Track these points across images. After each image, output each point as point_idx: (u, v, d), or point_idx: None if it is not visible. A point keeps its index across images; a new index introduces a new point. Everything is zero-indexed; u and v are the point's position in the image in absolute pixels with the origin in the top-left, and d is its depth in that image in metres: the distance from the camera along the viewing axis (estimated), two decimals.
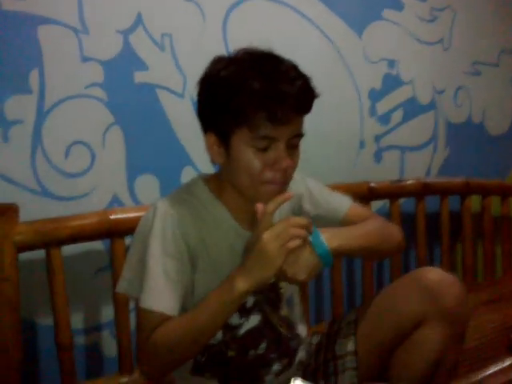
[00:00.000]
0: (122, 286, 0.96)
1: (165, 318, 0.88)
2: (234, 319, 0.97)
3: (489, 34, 2.25)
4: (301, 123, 0.91)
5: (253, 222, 0.96)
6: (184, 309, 0.91)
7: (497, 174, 2.32)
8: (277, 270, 0.84)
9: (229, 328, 0.96)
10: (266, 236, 0.83)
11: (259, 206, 0.88)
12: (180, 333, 0.87)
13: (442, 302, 0.95)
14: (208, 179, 1.00)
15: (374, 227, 1.05)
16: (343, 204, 1.11)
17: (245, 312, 0.98)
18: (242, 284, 0.84)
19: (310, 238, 0.89)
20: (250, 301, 0.98)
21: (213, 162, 0.95)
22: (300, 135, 0.91)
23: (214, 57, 0.93)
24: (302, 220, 0.86)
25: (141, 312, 0.90)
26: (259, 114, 0.85)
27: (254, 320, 0.99)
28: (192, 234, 0.92)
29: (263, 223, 0.85)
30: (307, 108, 0.90)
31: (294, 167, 0.92)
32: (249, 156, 0.88)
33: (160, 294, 0.89)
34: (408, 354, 0.98)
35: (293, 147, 0.91)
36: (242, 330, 0.97)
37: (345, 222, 1.08)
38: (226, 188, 0.96)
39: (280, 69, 0.88)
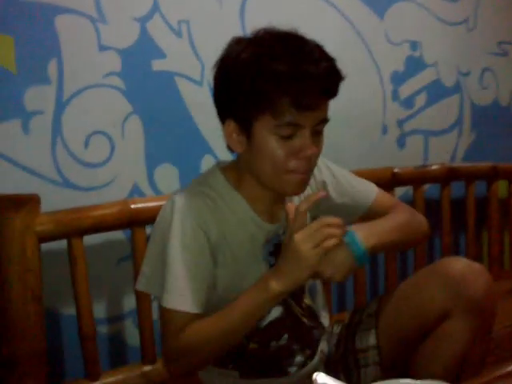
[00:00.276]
0: (142, 283, 0.94)
1: (191, 317, 0.86)
2: None
3: None
4: (326, 108, 0.87)
5: (272, 214, 0.95)
6: (208, 303, 0.90)
7: None
8: (312, 271, 0.82)
9: None
10: (300, 236, 0.80)
11: (290, 206, 0.86)
12: (210, 333, 0.86)
13: (468, 293, 0.92)
14: (226, 168, 0.96)
15: (404, 219, 1.01)
16: (370, 192, 1.08)
17: None
18: (276, 285, 0.82)
19: (345, 238, 0.86)
20: None
21: (231, 150, 0.92)
22: (325, 120, 0.88)
23: (232, 38, 0.89)
24: (336, 219, 0.82)
25: (164, 312, 0.88)
26: (283, 99, 0.81)
27: (276, 311, 0.97)
28: (212, 228, 0.89)
29: (296, 223, 0.82)
30: (334, 91, 0.86)
31: (318, 155, 0.89)
32: (272, 144, 0.84)
33: (183, 293, 0.86)
34: (434, 347, 0.95)
35: (317, 133, 0.87)
36: (265, 322, 0.96)
37: (371, 211, 1.05)
38: (244, 178, 0.93)
39: (304, 49, 0.83)
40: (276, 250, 0.95)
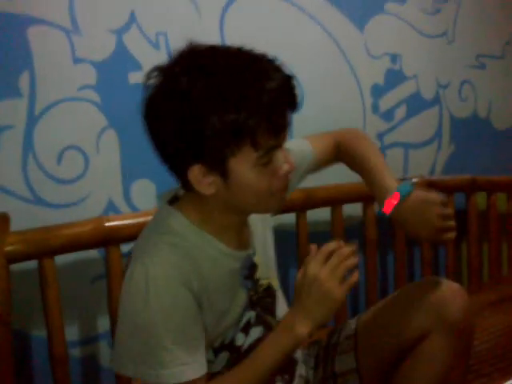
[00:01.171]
0: (122, 365, 0.82)
1: (203, 381, 0.81)
2: (240, 340, 0.91)
3: (493, 25, 2.20)
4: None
5: (241, 239, 0.91)
6: None
7: (503, 169, 2.27)
8: (339, 306, 0.81)
9: (235, 350, 0.91)
10: (324, 275, 0.78)
11: (313, 248, 0.82)
12: None
13: (446, 314, 0.92)
14: (183, 207, 0.85)
15: (369, 150, 1.05)
16: (304, 147, 1.06)
17: (248, 328, 0.93)
18: (304, 329, 0.80)
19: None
20: (253, 316, 0.93)
21: (190, 190, 0.81)
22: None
23: (151, 71, 0.77)
24: (350, 248, 0.81)
25: None
26: (261, 126, 0.73)
27: (256, 332, 0.94)
28: (193, 280, 0.81)
29: (317, 260, 0.80)
30: (297, 100, 0.80)
31: (294, 167, 0.85)
32: (255, 176, 0.77)
33: (185, 361, 0.78)
34: (414, 368, 0.94)
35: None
36: (245, 347, 0.92)
37: (317, 160, 1.07)
38: (209, 214, 0.84)
39: (261, 65, 0.75)
40: (250, 272, 0.92)
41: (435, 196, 0.92)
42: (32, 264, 1.12)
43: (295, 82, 0.79)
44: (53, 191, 1.26)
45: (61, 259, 1.16)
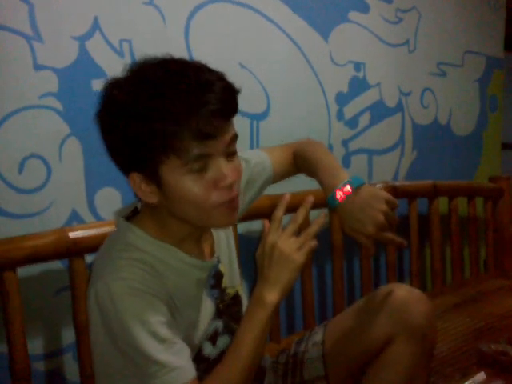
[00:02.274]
0: None
1: (196, 382, 0.80)
2: (208, 349, 0.91)
3: (452, 35, 2.27)
4: (231, 126, 0.80)
5: (203, 248, 0.92)
6: None
7: (463, 174, 2.35)
8: (300, 271, 0.84)
9: (203, 360, 0.91)
10: (282, 241, 0.82)
11: (266, 224, 0.86)
12: (231, 378, 0.81)
13: (409, 320, 0.95)
14: (140, 221, 0.86)
15: (322, 152, 1.06)
16: (263, 158, 1.08)
17: (216, 338, 0.93)
18: (272, 296, 0.82)
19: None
20: (220, 325, 0.93)
21: (146, 202, 0.83)
22: (235, 138, 0.81)
23: (106, 81, 0.79)
24: (302, 212, 0.86)
25: None
26: (183, 134, 0.73)
27: (223, 341, 0.94)
28: (160, 292, 0.80)
29: (272, 230, 0.83)
30: (233, 109, 0.79)
31: (239, 178, 0.83)
32: (187, 184, 0.76)
33: (172, 366, 0.77)
34: (379, 373, 0.97)
35: (231, 154, 0.81)
36: (214, 354, 0.92)
37: (276, 170, 1.09)
38: (167, 223, 0.84)
39: (188, 73, 0.75)
40: (216, 281, 0.93)
41: (385, 193, 0.93)
42: None
43: (230, 88, 0.78)
44: (14, 201, 1.22)
45: (22, 271, 1.13)
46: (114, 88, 0.77)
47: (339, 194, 0.93)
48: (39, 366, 1.27)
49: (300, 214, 0.86)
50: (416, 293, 0.99)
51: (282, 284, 0.82)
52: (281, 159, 1.10)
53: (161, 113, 0.73)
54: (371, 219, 0.90)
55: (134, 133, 0.74)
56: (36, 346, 1.25)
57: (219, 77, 0.77)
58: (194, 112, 0.73)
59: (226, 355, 0.83)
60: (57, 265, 1.27)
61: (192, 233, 0.87)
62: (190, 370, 0.79)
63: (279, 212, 0.85)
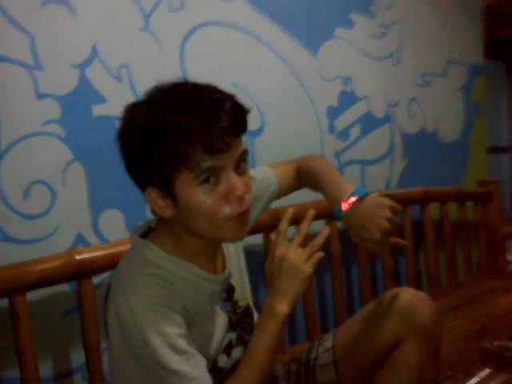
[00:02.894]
0: None
1: None
2: (223, 361, 0.94)
3: (435, 46, 2.35)
4: (241, 142, 0.84)
5: (217, 262, 0.95)
6: None
7: (453, 180, 2.41)
8: (309, 281, 0.87)
9: (219, 370, 0.94)
10: (291, 252, 0.86)
11: (272, 237, 0.91)
12: None
13: (417, 320, 0.99)
14: (157, 238, 0.89)
15: (325, 165, 1.12)
16: (268, 174, 1.12)
17: (230, 349, 0.96)
18: (283, 307, 0.85)
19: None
20: (234, 337, 0.96)
21: (157, 215, 0.87)
22: (245, 153, 0.85)
23: (126, 105, 0.85)
24: (305, 223, 0.90)
25: None
26: (193, 149, 0.77)
27: (237, 352, 0.97)
28: (177, 306, 0.83)
29: (279, 243, 0.87)
30: (243, 127, 0.83)
31: (249, 191, 0.85)
32: (199, 197, 0.80)
33: (191, 376, 0.80)
34: (390, 373, 1.00)
35: (242, 170, 0.84)
36: (228, 368, 0.95)
37: (282, 186, 1.13)
38: (182, 239, 0.88)
39: (200, 94, 0.80)
40: (228, 294, 0.96)
41: (388, 201, 0.98)
42: (2, 302, 1.10)
43: (240, 108, 0.83)
44: (20, 227, 1.25)
45: (30, 296, 1.15)
46: (133, 110, 0.82)
47: (344, 206, 0.98)
48: None
49: (304, 227, 0.90)
50: (420, 295, 1.04)
51: (292, 294, 0.86)
52: (285, 174, 1.14)
53: (173, 131, 0.77)
54: (377, 226, 0.94)
55: (149, 150, 0.79)
56: (45, 368, 1.27)
57: (229, 97, 0.82)
58: (206, 129, 0.77)
59: (239, 366, 0.86)
60: (63, 287, 1.29)
61: (205, 247, 0.90)
62: (207, 381, 0.82)
63: (284, 225, 0.90)
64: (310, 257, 0.87)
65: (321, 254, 0.88)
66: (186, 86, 0.83)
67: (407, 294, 1.03)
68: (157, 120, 0.78)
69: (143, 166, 0.82)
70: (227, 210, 0.82)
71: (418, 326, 0.98)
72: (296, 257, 0.86)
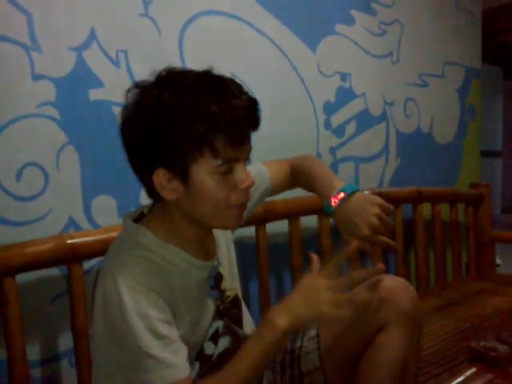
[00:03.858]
0: (114, 379, 0.84)
1: (189, 381, 0.82)
2: (210, 348, 0.94)
3: (433, 47, 2.36)
4: (251, 138, 0.88)
5: (206, 249, 0.95)
6: None
7: (445, 181, 2.42)
8: (315, 319, 0.84)
9: (205, 358, 0.94)
10: (326, 284, 0.83)
11: (315, 257, 0.90)
12: None
13: (397, 305, 1.01)
14: (149, 222, 0.90)
15: (319, 165, 1.12)
16: (262, 170, 1.13)
17: (217, 338, 0.96)
18: (281, 320, 0.82)
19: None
20: (220, 325, 0.96)
21: (156, 197, 0.87)
22: (251, 149, 0.89)
23: (134, 83, 0.84)
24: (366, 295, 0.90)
25: None
26: (221, 137, 0.80)
27: (224, 342, 0.97)
28: (162, 290, 0.83)
29: (326, 274, 0.86)
30: (259, 122, 0.86)
31: (253, 184, 0.89)
32: (213, 184, 0.83)
33: (167, 362, 0.79)
34: (374, 357, 1.01)
35: (246, 163, 0.88)
36: (215, 355, 0.95)
37: (275, 183, 1.14)
38: (174, 224, 0.89)
39: (226, 86, 0.83)
40: (216, 282, 0.96)
41: (378, 198, 0.98)
42: None
43: (258, 105, 0.86)
44: (12, 209, 1.24)
45: (20, 278, 1.14)
46: (149, 91, 0.82)
47: (334, 201, 0.98)
48: (36, 373, 1.28)
49: (340, 260, 0.90)
50: (400, 280, 1.06)
51: (296, 314, 0.83)
52: (279, 173, 1.15)
53: (204, 116, 0.79)
54: (365, 221, 0.94)
55: (177, 132, 0.79)
56: (32, 352, 1.26)
57: (248, 93, 0.85)
58: (232, 119, 0.80)
59: (225, 366, 0.84)
60: (53, 271, 1.28)
61: (196, 235, 0.91)
62: (185, 369, 0.82)
63: (340, 260, 0.90)
64: (335, 303, 0.83)
65: (347, 313, 0.83)
66: (210, 74, 0.84)
67: (387, 281, 1.04)
68: (187, 103, 0.79)
69: (160, 147, 0.81)
70: (234, 198, 0.85)
71: (398, 310, 1.00)
72: (324, 290, 0.83)
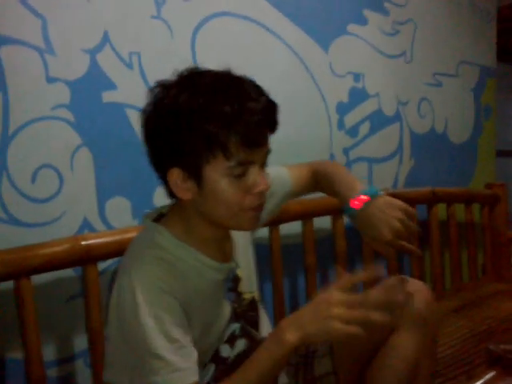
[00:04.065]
0: (121, 378, 0.84)
1: None
2: (226, 350, 0.94)
3: (448, 46, 2.33)
4: (269, 140, 0.87)
5: (224, 251, 0.95)
6: None
7: (460, 181, 2.40)
8: (326, 337, 0.79)
9: (221, 360, 0.93)
10: (340, 299, 0.78)
11: (344, 273, 0.84)
12: None
13: (411, 308, 0.98)
14: (168, 222, 0.90)
15: (341, 169, 1.12)
16: (283, 174, 1.12)
17: (234, 340, 0.95)
18: (290, 336, 0.78)
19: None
20: (237, 327, 0.96)
21: (173, 197, 0.88)
22: (269, 152, 0.87)
23: (155, 82, 0.85)
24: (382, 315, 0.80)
25: None
26: (234, 139, 0.79)
27: (239, 345, 0.96)
28: (177, 291, 0.83)
29: (338, 290, 0.80)
30: (276, 124, 0.86)
31: (269, 188, 0.88)
32: (226, 186, 0.82)
33: (176, 367, 0.79)
34: (385, 360, 1.00)
35: (264, 166, 0.87)
36: (231, 359, 0.95)
37: (295, 187, 1.13)
38: (192, 224, 0.88)
39: (244, 87, 0.82)
40: (233, 285, 0.95)
41: (400, 202, 0.96)
42: (4, 285, 1.10)
43: (276, 108, 0.85)
44: (27, 211, 1.25)
45: (35, 280, 1.15)
46: (168, 90, 0.82)
47: (356, 204, 0.97)
48: (51, 373, 1.29)
49: (359, 279, 0.85)
50: (416, 282, 1.04)
51: (306, 330, 0.78)
52: (300, 176, 1.14)
53: (219, 117, 0.78)
54: (387, 225, 0.92)
55: (191, 132, 0.79)
56: (48, 352, 1.27)
57: (266, 94, 0.84)
58: (247, 121, 0.79)
59: (235, 372, 0.82)
60: (68, 273, 1.29)
61: (214, 236, 0.90)
62: (193, 374, 0.80)
63: (358, 278, 0.84)
64: (348, 321, 0.77)
65: (358, 332, 0.76)
66: (229, 75, 0.84)
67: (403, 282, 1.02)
68: (201, 103, 0.79)
69: (176, 146, 0.81)
70: (248, 201, 0.84)
71: (412, 312, 0.98)
72: (336, 304, 0.78)
